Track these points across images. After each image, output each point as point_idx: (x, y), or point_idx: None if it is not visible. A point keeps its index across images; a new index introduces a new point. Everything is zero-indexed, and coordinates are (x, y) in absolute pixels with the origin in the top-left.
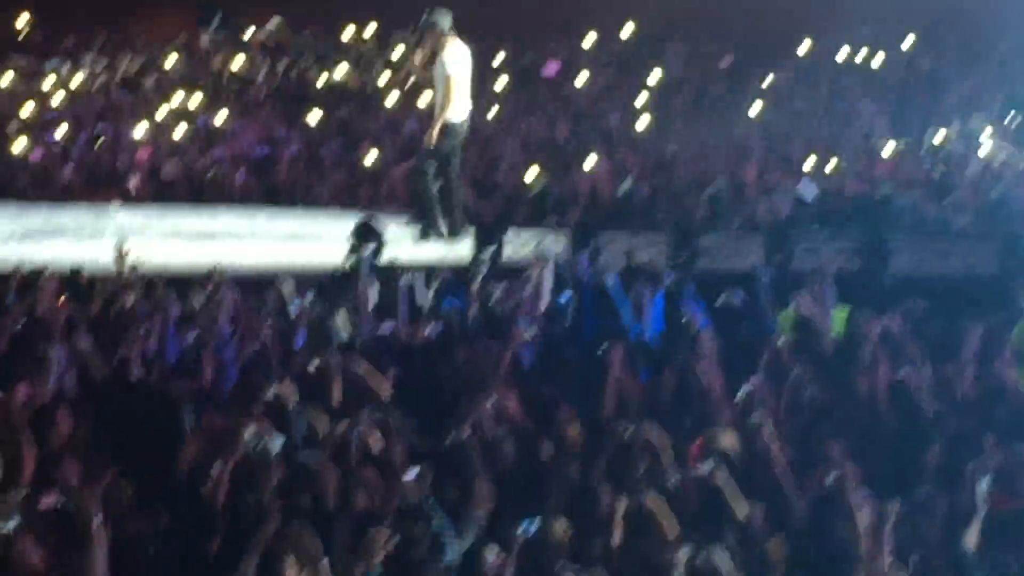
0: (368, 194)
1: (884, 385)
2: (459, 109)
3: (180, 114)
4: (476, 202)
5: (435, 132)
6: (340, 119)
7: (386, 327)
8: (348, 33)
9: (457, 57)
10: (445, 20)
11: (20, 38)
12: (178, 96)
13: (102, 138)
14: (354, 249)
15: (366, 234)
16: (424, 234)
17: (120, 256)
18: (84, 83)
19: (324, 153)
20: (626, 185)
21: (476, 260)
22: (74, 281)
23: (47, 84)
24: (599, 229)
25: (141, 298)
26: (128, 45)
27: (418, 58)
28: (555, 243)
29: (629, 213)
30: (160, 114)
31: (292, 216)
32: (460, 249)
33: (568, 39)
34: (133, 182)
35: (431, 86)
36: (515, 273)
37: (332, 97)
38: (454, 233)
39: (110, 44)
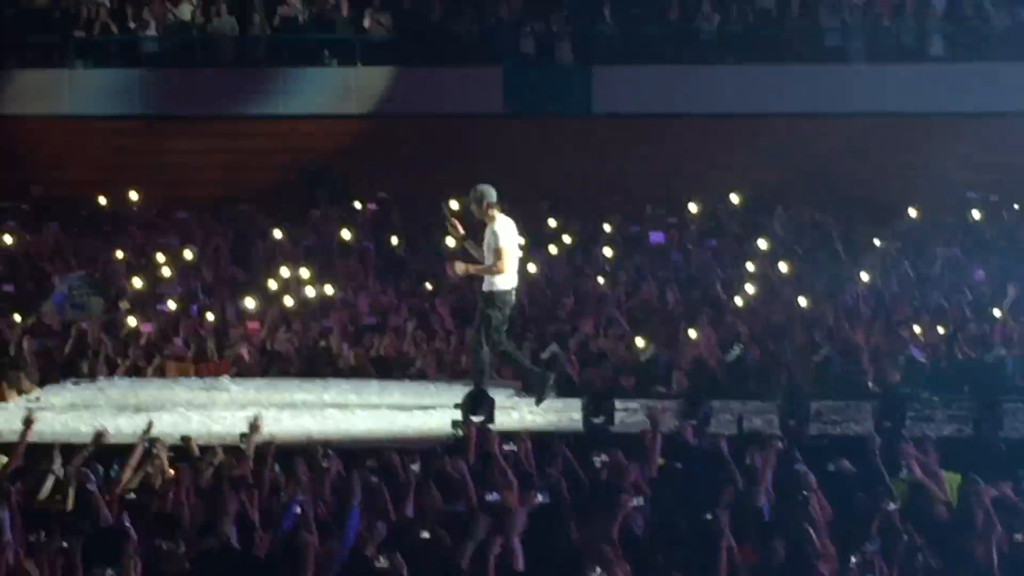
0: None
1: (999, 552)
2: (508, 279)
3: (290, 286)
4: (584, 369)
5: (457, 268)
6: (450, 287)
7: (494, 496)
8: (454, 204)
9: (506, 229)
10: (492, 194)
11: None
12: (287, 268)
13: (210, 311)
14: (464, 418)
15: (477, 403)
16: (472, 402)
17: (253, 427)
18: (195, 256)
19: (433, 322)
20: (735, 351)
21: (586, 427)
22: (184, 450)
23: (160, 257)
24: (708, 396)
25: (257, 468)
26: (238, 219)
27: (458, 230)
28: (664, 410)
29: (738, 379)
30: (271, 286)
31: (401, 386)
32: (570, 416)
33: (675, 207)
34: (244, 354)
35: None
36: (625, 440)
37: (440, 268)
38: (539, 398)
39: (219, 217)
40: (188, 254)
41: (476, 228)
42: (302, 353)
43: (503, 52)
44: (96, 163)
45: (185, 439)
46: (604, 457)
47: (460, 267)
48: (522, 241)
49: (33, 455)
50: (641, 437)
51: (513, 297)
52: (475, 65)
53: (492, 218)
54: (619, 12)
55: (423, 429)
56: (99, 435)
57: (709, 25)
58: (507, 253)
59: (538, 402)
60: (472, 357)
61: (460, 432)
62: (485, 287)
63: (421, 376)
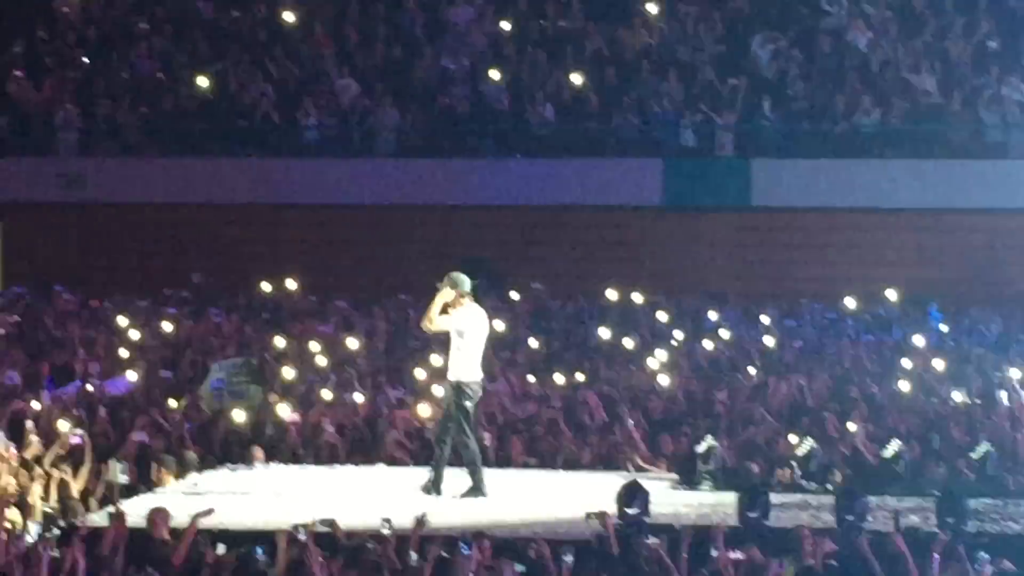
0: (629, 456)
1: None
2: (470, 371)
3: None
4: (740, 463)
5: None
6: (605, 380)
7: None
8: (612, 295)
9: (471, 320)
10: (465, 283)
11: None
12: (440, 358)
13: (364, 399)
14: (620, 511)
15: (632, 496)
16: (471, 493)
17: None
18: (355, 347)
19: (584, 413)
20: (892, 447)
21: (741, 521)
22: (331, 537)
23: (315, 347)
24: (864, 491)
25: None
26: (400, 308)
27: (432, 312)
28: (821, 506)
29: (895, 476)
30: (422, 375)
31: (553, 477)
32: (725, 510)
33: (832, 301)
34: (398, 443)
35: None
36: (779, 535)
37: (594, 359)
38: (436, 491)
39: (381, 308)
40: (347, 342)
41: None
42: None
43: (663, 144)
44: (255, 250)
45: (330, 523)
46: (740, 555)
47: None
48: (485, 333)
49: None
50: (796, 533)
51: (480, 389)
52: (635, 156)
53: (461, 305)
54: (779, 105)
55: (575, 520)
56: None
57: (870, 119)
58: (465, 342)
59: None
60: (464, 455)
61: (595, 522)
62: (452, 378)
63: (572, 466)
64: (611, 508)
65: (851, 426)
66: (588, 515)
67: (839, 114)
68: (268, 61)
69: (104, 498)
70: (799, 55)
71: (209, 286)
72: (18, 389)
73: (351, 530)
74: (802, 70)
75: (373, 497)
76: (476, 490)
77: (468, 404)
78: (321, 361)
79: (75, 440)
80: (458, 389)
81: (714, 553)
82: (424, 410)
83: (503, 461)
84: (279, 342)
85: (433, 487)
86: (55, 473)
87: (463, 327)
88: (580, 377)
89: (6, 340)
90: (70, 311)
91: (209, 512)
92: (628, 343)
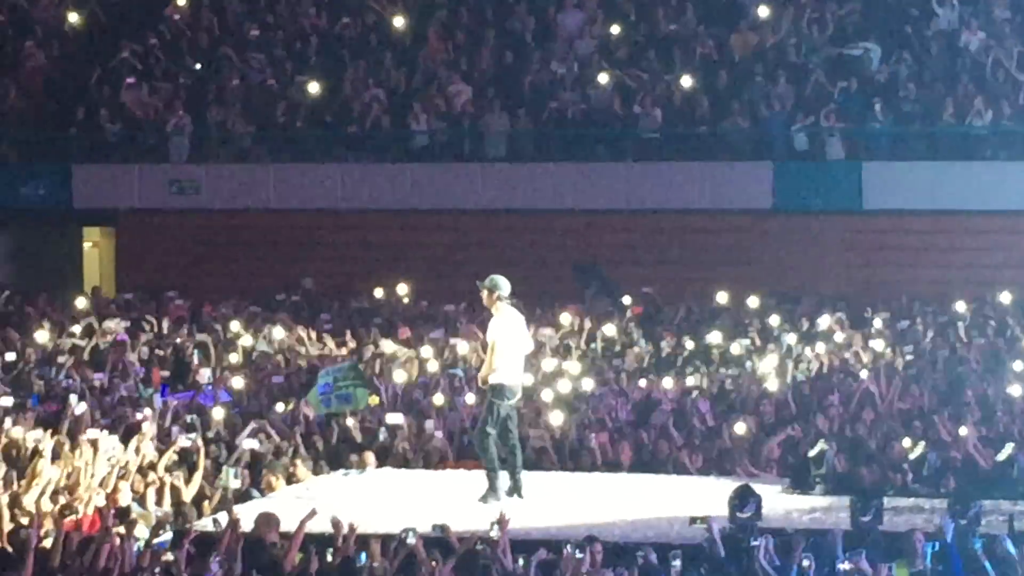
0: (743, 461)
1: None
2: (507, 372)
3: (549, 379)
4: (852, 468)
5: (481, 378)
6: (715, 385)
7: None
8: (722, 298)
9: (506, 324)
10: (504, 286)
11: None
12: (551, 361)
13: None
14: (731, 515)
15: (744, 500)
16: (484, 498)
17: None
18: (465, 351)
19: (694, 417)
20: (1006, 451)
21: (854, 525)
22: (440, 541)
23: (426, 352)
24: (978, 496)
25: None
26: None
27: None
28: (934, 510)
29: (1009, 479)
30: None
31: (665, 481)
32: (838, 514)
33: (944, 304)
34: None
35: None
36: (891, 539)
37: (705, 363)
38: (518, 495)
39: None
40: (458, 347)
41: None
42: (561, 447)
43: (773, 148)
44: (367, 255)
45: (443, 528)
46: (848, 565)
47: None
48: (527, 340)
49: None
50: (909, 537)
51: (519, 391)
52: (745, 160)
53: (497, 310)
54: (890, 108)
55: (684, 524)
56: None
57: (981, 121)
58: (500, 345)
59: (484, 500)
60: (480, 451)
61: (701, 526)
62: (493, 380)
63: (681, 471)
64: (723, 512)
65: (963, 430)
66: (693, 519)
67: (950, 116)
68: (379, 67)
69: (218, 503)
70: (909, 57)
71: (320, 291)
72: (131, 395)
73: (461, 534)
74: (913, 72)
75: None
76: (491, 492)
77: (499, 403)
78: (432, 366)
79: (186, 443)
80: (495, 390)
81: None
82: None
83: (613, 466)
84: (389, 346)
85: (515, 491)
86: (168, 478)
87: (498, 334)
88: (691, 381)
89: (120, 346)
90: (182, 317)
91: (312, 514)
92: (739, 347)
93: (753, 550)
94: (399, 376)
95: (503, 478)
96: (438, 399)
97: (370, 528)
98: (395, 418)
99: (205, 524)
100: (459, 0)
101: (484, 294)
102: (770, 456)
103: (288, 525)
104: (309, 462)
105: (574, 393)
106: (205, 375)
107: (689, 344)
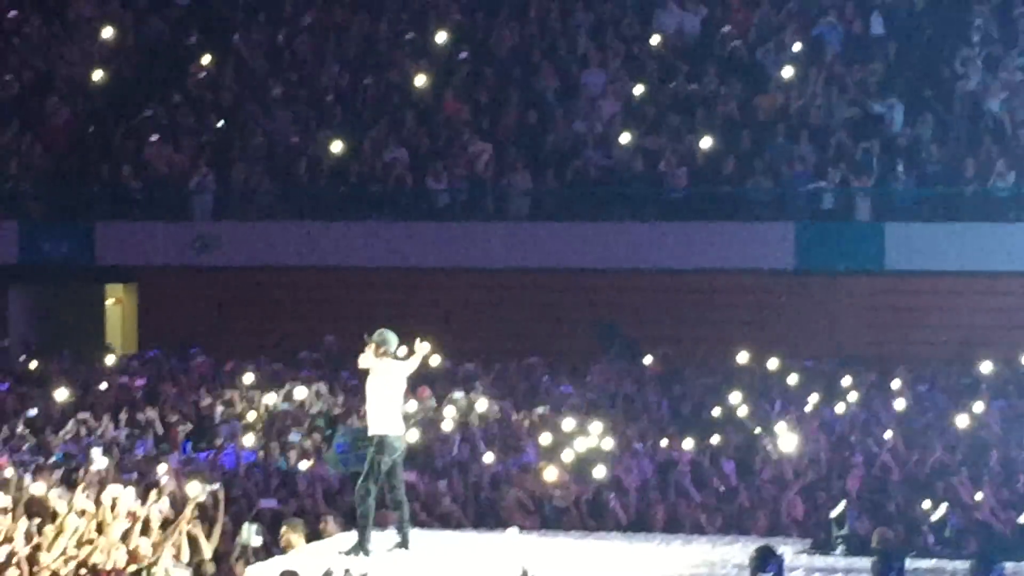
0: (764, 520)
1: None
2: (390, 425)
3: (569, 438)
4: (871, 527)
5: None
6: (736, 445)
7: None
8: (743, 358)
9: (391, 377)
10: (392, 341)
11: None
12: (570, 422)
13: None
14: (753, 574)
15: (766, 560)
16: (351, 552)
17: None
18: (483, 410)
19: (710, 477)
20: None
21: None
22: None
23: (447, 412)
24: (1001, 558)
25: None
26: (526, 375)
27: (361, 362)
28: (956, 572)
29: None
30: (548, 439)
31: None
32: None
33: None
34: (520, 507)
35: None
36: None
37: (724, 424)
38: (405, 547)
39: (512, 372)
40: (475, 406)
41: None
42: (580, 506)
43: (795, 208)
44: (388, 313)
45: None
46: None
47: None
48: (402, 389)
49: None
50: None
51: (402, 443)
52: (767, 220)
53: (381, 360)
54: (913, 168)
55: None
56: None
57: (1004, 183)
58: (383, 397)
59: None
60: (358, 505)
61: None
62: (372, 432)
63: (698, 531)
64: (744, 574)
65: (979, 495)
66: None
67: (973, 177)
68: (401, 126)
69: (238, 560)
70: (932, 118)
71: (342, 349)
72: (151, 453)
73: None
74: (935, 133)
75: (495, 560)
76: (359, 547)
77: (383, 459)
78: (448, 425)
79: (204, 497)
80: (378, 444)
81: None
82: (551, 474)
83: (633, 526)
84: (410, 406)
85: (403, 544)
86: (188, 533)
87: (385, 379)
88: (711, 441)
89: (141, 403)
90: (204, 374)
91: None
92: (760, 407)
93: None
94: (413, 436)
95: (374, 535)
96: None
97: None
98: (407, 477)
99: None
100: (482, 59)
101: (372, 347)
102: (792, 516)
103: None
104: (340, 518)
105: (594, 453)
106: (225, 432)
107: (709, 404)
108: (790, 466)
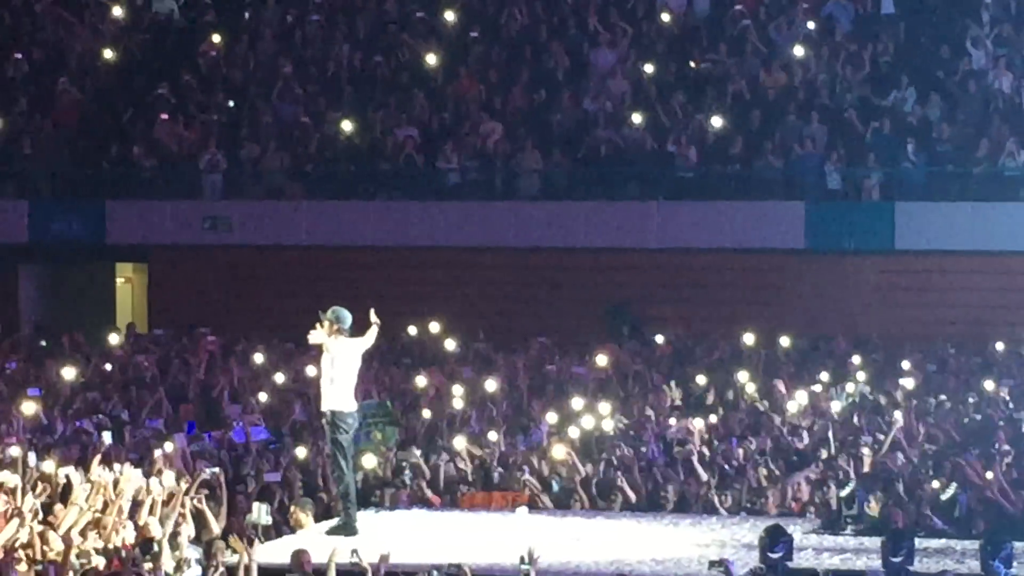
0: (775, 500)
1: None
2: (342, 400)
3: (578, 418)
4: (883, 508)
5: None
6: (745, 425)
7: None
8: (749, 339)
9: (344, 353)
10: (345, 318)
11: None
12: (579, 402)
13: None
14: (762, 556)
15: (775, 540)
16: (336, 531)
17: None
18: (493, 389)
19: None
20: None
21: (885, 567)
22: None
23: (456, 390)
24: (1011, 537)
25: None
26: (539, 352)
27: (312, 337)
28: (966, 551)
29: None
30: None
31: (695, 520)
32: (868, 555)
33: (979, 346)
34: (533, 487)
35: None
36: None
37: (734, 404)
38: (350, 530)
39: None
40: (485, 385)
41: None
42: (589, 486)
43: (805, 188)
44: (399, 292)
45: (458, 567)
46: None
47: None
48: (357, 365)
49: None
50: None
51: (355, 418)
52: (777, 200)
53: (336, 339)
54: (923, 148)
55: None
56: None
57: (1014, 162)
58: (338, 374)
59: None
60: (338, 488)
61: (719, 571)
62: (325, 407)
63: (711, 511)
64: (754, 553)
65: (988, 474)
66: (711, 563)
67: (983, 157)
68: (411, 104)
69: (248, 540)
70: (942, 98)
71: (351, 328)
72: (160, 434)
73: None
74: (946, 113)
75: (504, 538)
76: (347, 527)
77: (341, 437)
78: (458, 404)
79: (209, 476)
80: (332, 423)
81: None
82: (559, 453)
83: (642, 506)
84: (419, 383)
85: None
86: (197, 510)
87: (338, 356)
88: (721, 421)
89: (149, 383)
90: (214, 353)
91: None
92: (769, 387)
93: None
94: (426, 413)
95: (355, 509)
96: (459, 442)
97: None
98: (414, 456)
99: (232, 559)
100: (492, 38)
101: (325, 325)
102: (800, 496)
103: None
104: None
105: (604, 432)
106: (234, 412)
107: (719, 384)
108: (800, 445)
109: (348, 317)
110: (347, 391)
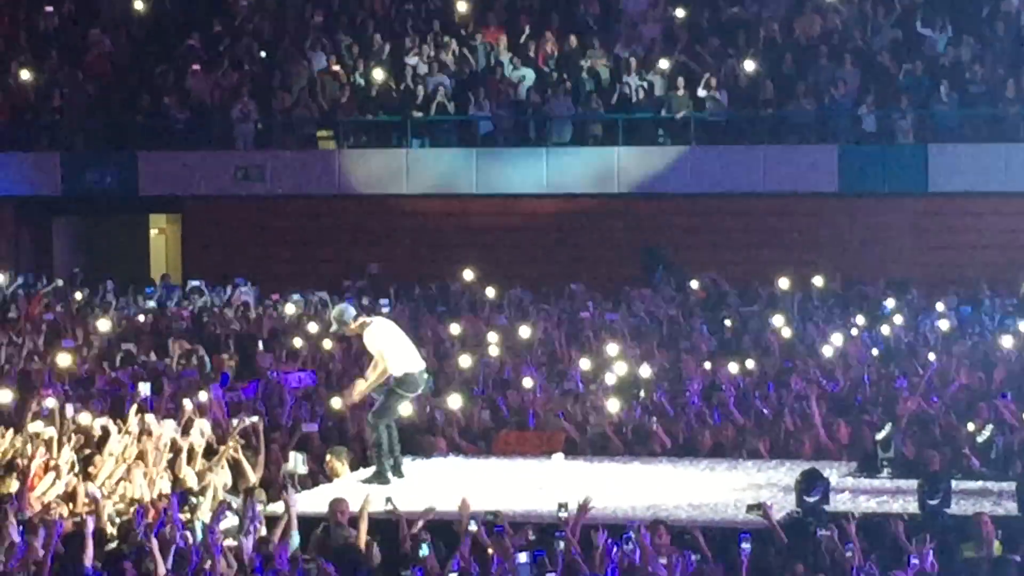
0: (811, 443)
1: None
2: (404, 363)
3: (613, 363)
4: (920, 450)
5: (354, 394)
6: (781, 369)
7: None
8: (783, 283)
9: (376, 334)
10: (348, 313)
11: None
12: (614, 347)
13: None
14: (798, 499)
15: (812, 484)
16: (374, 479)
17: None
18: (531, 334)
19: (759, 402)
20: None
21: (922, 509)
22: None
23: (491, 338)
24: None
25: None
26: (569, 301)
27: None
28: (1003, 493)
29: None
30: (592, 365)
31: (731, 465)
32: (905, 498)
33: (1013, 287)
34: (570, 432)
35: None
36: (959, 522)
37: (770, 347)
38: (383, 478)
39: (552, 295)
40: (522, 332)
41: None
42: (624, 431)
43: (838, 131)
44: (433, 241)
45: (496, 514)
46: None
47: (355, 392)
48: (399, 333)
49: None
50: (975, 520)
51: (424, 377)
52: (810, 144)
53: (361, 329)
54: (956, 90)
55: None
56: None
57: None
58: (386, 352)
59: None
60: (370, 434)
61: (758, 515)
62: (397, 372)
63: (753, 455)
64: (790, 496)
65: None
66: (749, 507)
67: (1015, 98)
68: (442, 53)
69: (284, 488)
70: (974, 39)
71: (386, 277)
72: (196, 384)
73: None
74: (978, 54)
75: (541, 485)
76: (379, 475)
77: (404, 393)
78: (494, 351)
79: (246, 425)
80: (400, 381)
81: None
82: (594, 399)
83: (678, 450)
84: (454, 331)
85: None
86: (235, 460)
87: (380, 346)
88: (755, 365)
89: (185, 334)
90: (247, 304)
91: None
92: (805, 330)
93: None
94: (464, 361)
95: (386, 459)
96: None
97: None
98: (454, 403)
99: (272, 508)
100: None
101: (345, 330)
102: (836, 440)
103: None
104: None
105: (639, 378)
106: (268, 362)
107: (753, 328)
108: (838, 389)
109: (347, 309)
110: (406, 356)
